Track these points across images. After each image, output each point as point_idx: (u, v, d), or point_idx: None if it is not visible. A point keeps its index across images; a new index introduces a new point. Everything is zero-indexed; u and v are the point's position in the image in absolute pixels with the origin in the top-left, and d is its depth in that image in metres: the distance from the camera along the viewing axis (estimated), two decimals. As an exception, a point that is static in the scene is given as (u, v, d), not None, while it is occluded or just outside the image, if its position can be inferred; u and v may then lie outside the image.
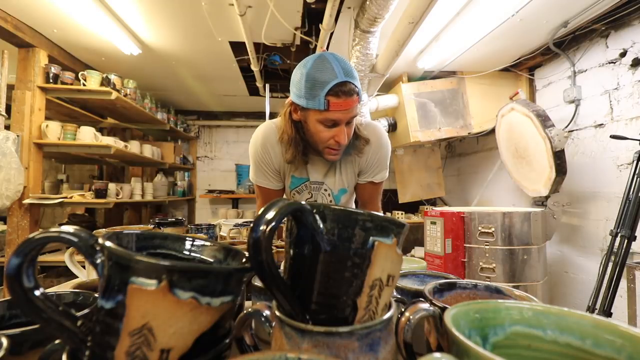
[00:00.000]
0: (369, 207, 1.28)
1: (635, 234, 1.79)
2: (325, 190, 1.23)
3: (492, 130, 2.96)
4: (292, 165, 1.17)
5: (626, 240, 1.78)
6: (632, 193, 1.81)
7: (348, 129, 1.04)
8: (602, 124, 2.35)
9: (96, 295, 0.46)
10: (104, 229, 1.34)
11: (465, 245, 2.16)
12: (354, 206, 1.49)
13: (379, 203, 1.30)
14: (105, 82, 2.70)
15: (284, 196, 1.30)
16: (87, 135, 2.63)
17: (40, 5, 2.10)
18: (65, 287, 0.65)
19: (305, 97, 0.98)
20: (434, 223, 2.23)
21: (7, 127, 2.34)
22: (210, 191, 4.52)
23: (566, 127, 2.54)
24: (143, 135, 4.23)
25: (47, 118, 2.62)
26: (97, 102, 2.85)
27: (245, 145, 4.77)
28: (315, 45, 2.36)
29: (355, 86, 0.98)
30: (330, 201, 1.24)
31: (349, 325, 0.32)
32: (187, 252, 0.41)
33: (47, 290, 0.39)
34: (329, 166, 1.20)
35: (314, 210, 0.34)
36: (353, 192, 1.33)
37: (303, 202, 0.33)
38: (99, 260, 0.29)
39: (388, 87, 3.27)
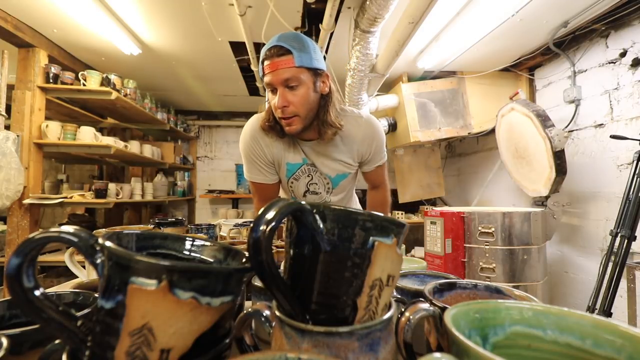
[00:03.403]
0: (381, 187, 1.36)
1: (635, 234, 1.79)
2: (321, 174, 1.22)
3: (492, 130, 2.96)
4: (286, 152, 1.19)
5: (626, 240, 1.78)
6: (632, 193, 1.81)
7: (291, 95, 1.01)
8: (602, 124, 2.35)
9: (96, 295, 0.46)
10: (104, 229, 1.34)
11: (465, 245, 2.16)
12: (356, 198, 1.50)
13: (387, 180, 1.37)
14: (105, 82, 2.70)
15: (281, 189, 1.30)
16: (87, 135, 2.63)
17: (40, 5, 2.10)
18: (65, 287, 0.65)
19: None
20: (434, 223, 2.24)
21: (7, 127, 2.34)
22: (210, 191, 4.52)
23: (566, 127, 2.54)
24: (143, 135, 4.23)
25: (47, 118, 2.62)
26: (97, 102, 2.85)
27: (245, 145, 4.78)
28: (315, 45, 2.36)
29: (285, 47, 0.97)
30: (328, 184, 1.25)
31: (349, 325, 0.32)
32: (187, 252, 0.41)
33: (47, 290, 0.39)
34: (319, 150, 1.19)
35: (314, 210, 0.34)
36: (354, 178, 1.33)
37: (303, 202, 0.33)
38: (99, 260, 0.29)
39: (388, 87, 3.27)
